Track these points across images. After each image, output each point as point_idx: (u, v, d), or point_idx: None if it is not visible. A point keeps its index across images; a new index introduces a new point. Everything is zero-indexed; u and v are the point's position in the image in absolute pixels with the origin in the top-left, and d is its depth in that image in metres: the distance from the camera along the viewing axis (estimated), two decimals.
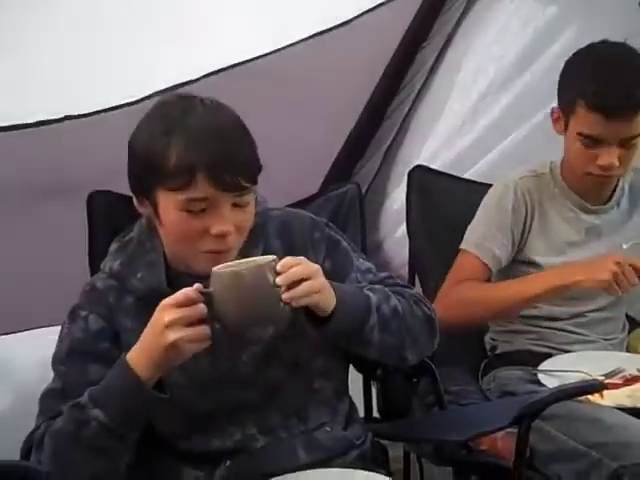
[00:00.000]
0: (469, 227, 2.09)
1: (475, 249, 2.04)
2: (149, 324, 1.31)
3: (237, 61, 2.07)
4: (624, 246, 2.06)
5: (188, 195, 1.36)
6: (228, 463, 1.47)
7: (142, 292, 1.46)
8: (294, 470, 1.45)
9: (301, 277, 1.32)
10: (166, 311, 1.28)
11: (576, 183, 2.04)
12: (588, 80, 1.88)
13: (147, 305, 1.37)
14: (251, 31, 2.11)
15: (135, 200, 1.47)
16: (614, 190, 2.08)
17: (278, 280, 1.30)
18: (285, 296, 1.30)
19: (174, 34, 1.96)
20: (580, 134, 1.92)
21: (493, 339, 2.14)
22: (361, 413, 1.76)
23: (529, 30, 2.61)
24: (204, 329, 1.29)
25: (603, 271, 1.85)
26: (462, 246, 2.08)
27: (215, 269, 1.32)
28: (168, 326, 1.27)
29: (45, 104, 1.85)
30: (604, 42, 1.95)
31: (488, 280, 2.05)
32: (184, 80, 1.94)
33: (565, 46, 2.48)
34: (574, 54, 1.98)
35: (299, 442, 1.50)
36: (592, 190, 2.05)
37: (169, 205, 1.39)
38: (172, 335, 1.27)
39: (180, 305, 1.28)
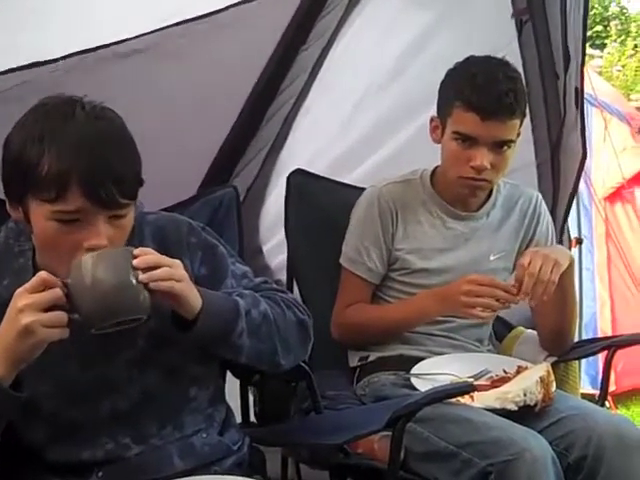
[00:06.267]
0: (345, 239, 2.13)
1: (351, 265, 2.10)
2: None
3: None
4: (491, 257, 2.12)
5: (59, 207, 1.31)
6: (100, 474, 1.43)
7: (8, 300, 1.39)
8: (170, 478, 1.42)
9: (159, 263, 1.30)
10: (20, 296, 1.25)
11: (447, 190, 2.08)
12: (466, 84, 1.97)
13: None
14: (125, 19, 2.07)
15: (7, 203, 1.40)
16: (486, 201, 2.13)
17: (135, 262, 1.28)
18: (142, 276, 1.28)
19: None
20: (456, 132, 1.98)
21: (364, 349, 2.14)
22: (238, 418, 1.76)
23: (404, 37, 2.66)
24: (60, 314, 1.25)
25: (454, 305, 1.95)
26: (341, 260, 2.13)
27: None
28: (22, 310, 1.23)
29: None
30: (485, 56, 2.03)
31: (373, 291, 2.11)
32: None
33: (438, 53, 2.55)
34: (455, 65, 2.05)
35: (174, 449, 1.47)
36: (462, 197, 2.09)
37: (40, 215, 1.33)
38: (25, 318, 1.23)
39: (35, 290, 1.25)
